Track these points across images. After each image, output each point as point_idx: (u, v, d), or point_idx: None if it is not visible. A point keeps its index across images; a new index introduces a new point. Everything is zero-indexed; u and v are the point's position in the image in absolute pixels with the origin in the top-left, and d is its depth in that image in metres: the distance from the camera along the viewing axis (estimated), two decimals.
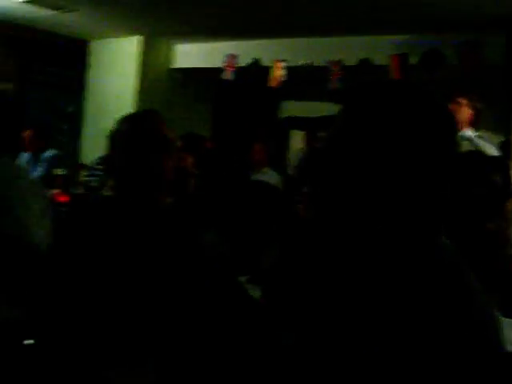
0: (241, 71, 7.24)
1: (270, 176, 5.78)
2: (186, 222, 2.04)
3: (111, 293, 1.76)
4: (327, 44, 6.63)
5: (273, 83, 7.03)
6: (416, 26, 5.84)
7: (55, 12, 6.68)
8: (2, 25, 7.38)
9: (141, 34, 7.63)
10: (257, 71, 7.11)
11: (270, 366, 1.21)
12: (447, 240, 1.16)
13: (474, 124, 4.45)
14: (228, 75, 7.33)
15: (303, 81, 6.85)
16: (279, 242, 1.42)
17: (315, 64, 6.65)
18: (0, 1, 6.51)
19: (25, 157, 6.13)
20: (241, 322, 1.65)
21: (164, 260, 1.85)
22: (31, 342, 1.68)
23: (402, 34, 6.08)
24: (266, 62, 7.05)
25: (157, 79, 7.95)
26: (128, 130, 1.93)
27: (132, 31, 7.52)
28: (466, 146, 4.04)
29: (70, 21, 7.16)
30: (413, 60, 6.01)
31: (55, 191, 5.31)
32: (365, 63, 6.23)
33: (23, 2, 6.41)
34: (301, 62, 6.75)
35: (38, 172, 5.97)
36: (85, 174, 6.26)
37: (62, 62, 8.19)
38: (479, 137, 4.41)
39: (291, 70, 6.85)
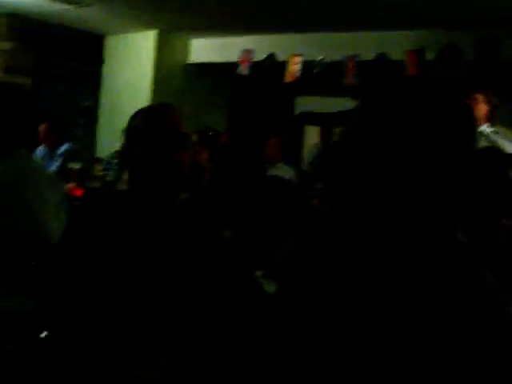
0: (256, 66, 7.23)
1: (284, 171, 5.78)
2: (202, 217, 2.03)
3: (125, 286, 1.76)
4: (343, 39, 6.61)
5: (288, 78, 7.01)
6: (433, 21, 5.80)
7: (72, 7, 6.71)
8: (20, 20, 7.43)
9: (156, 28, 7.64)
10: (272, 66, 7.10)
11: (283, 361, 1.21)
12: (464, 237, 1.15)
13: (490, 120, 4.43)
14: (243, 70, 7.32)
15: (319, 76, 6.83)
16: (294, 237, 1.42)
17: (331, 59, 6.63)
18: None
19: (41, 151, 6.17)
20: (255, 317, 1.65)
21: (179, 254, 1.85)
22: (45, 334, 1.68)
23: (418, 29, 6.04)
24: (281, 56, 7.03)
25: (172, 74, 7.95)
26: (143, 124, 1.92)
27: (148, 26, 7.53)
28: (482, 142, 4.02)
29: (87, 16, 7.19)
30: (429, 55, 5.97)
31: (71, 185, 5.35)
32: (381, 58, 6.19)
33: None
34: (317, 58, 6.72)
35: (53, 166, 6.00)
36: (100, 168, 6.30)
37: (79, 57, 8.22)
38: (495, 132, 4.39)
39: (307, 65, 6.82)
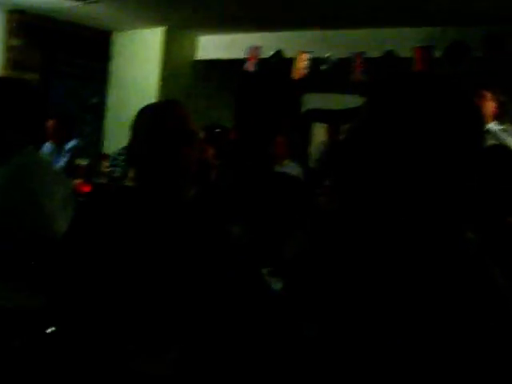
0: (264, 63, 7.22)
1: (291, 169, 5.78)
2: (209, 214, 2.03)
3: (131, 282, 1.76)
4: (351, 36, 6.59)
5: (296, 75, 7.00)
6: (441, 18, 5.78)
7: (80, 3, 6.72)
8: (28, 16, 7.45)
9: (164, 25, 7.64)
10: (280, 63, 7.09)
11: (291, 357, 1.21)
12: (472, 234, 1.15)
13: (499, 117, 4.41)
14: (251, 67, 7.32)
15: (326, 73, 6.82)
16: (301, 234, 1.42)
17: (338, 56, 6.61)
18: None
19: (48, 147, 6.18)
20: (261, 313, 1.65)
21: (186, 250, 1.85)
22: (52, 329, 1.69)
23: (426, 26, 6.02)
24: (289, 53, 7.02)
25: (180, 70, 7.95)
26: (150, 121, 1.91)
27: (155, 22, 7.54)
28: (490, 140, 4.01)
29: (95, 12, 7.20)
30: (437, 52, 5.95)
31: (78, 181, 5.36)
32: (389, 55, 6.18)
33: None
34: (325, 55, 6.71)
35: (61, 162, 6.02)
36: (107, 164, 6.31)
37: (87, 53, 8.24)
38: (503, 130, 4.37)
39: (314, 62, 6.82)
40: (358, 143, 1.14)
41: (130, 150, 1.98)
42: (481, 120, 1.14)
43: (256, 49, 7.23)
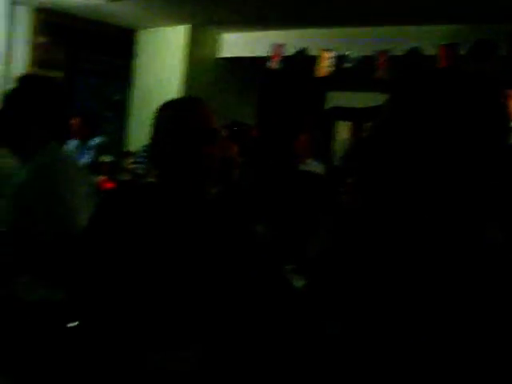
0: (287, 60, 7.21)
1: (314, 167, 5.75)
2: (232, 212, 2.03)
3: (153, 277, 1.76)
4: (375, 33, 6.54)
5: (319, 73, 6.98)
6: (466, 15, 5.71)
7: (104, 1, 6.75)
8: (53, 14, 7.51)
9: (187, 23, 7.65)
10: (303, 60, 7.07)
11: (314, 355, 1.20)
12: (498, 232, 1.13)
13: None
14: (274, 65, 7.31)
15: (350, 71, 6.79)
16: (324, 232, 1.41)
17: (362, 54, 6.58)
18: None
19: (72, 144, 6.23)
20: (283, 311, 1.64)
21: (208, 246, 1.85)
22: (75, 323, 1.70)
23: (452, 24, 5.96)
24: (312, 51, 7.00)
25: (203, 68, 7.97)
26: (171, 118, 1.90)
27: (179, 20, 7.56)
28: None
29: (119, 10, 7.24)
30: (463, 50, 5.89)
31: (102, 178, 5.39)
32: (413, 53, 6.13)
33: None
34: (349, 52, 6.68)
35: (85, 159, 6.07)
36: (131, 161, 6.35)
37: (110, 51, 8.29)
38: None
39: (338, 60, 6.79)
40: (381, 141, 1.13)
41: (151, 148, 1.98)
42: (506, 117, 1.12)
43: (279, 47, 7.22)
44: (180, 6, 6.83)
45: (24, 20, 7.38)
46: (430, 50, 6.05)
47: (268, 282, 1.94)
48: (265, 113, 8.70)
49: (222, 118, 5.37)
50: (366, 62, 6.53)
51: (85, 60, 8.14)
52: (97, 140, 6.33)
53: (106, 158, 5.96)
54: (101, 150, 6.22)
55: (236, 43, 7.96)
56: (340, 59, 6.76)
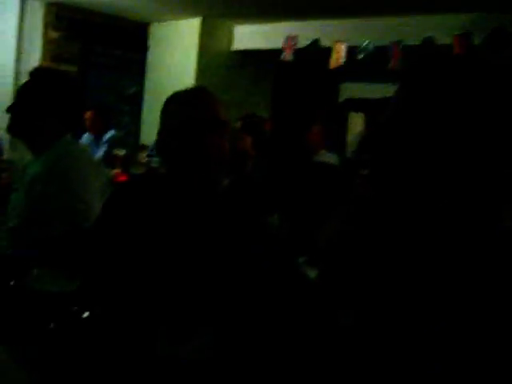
0: (300, 52, 7.18)
1: (327, 158, 5.73)
2: (243, 204, 2.02)
3: (165, 266, 1.76)
4: (388, 24, 6.50)
5: (333, 64, 6.95)
6: (481, 4, 5.65)
7: None
8: (66, 8, 7.53)
9: (201, 15, 7.64)
10: (316, 52, 7.04)
11: (328, 346, 1.20)
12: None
13: None
14: (287, 56, 7.28)
15: (364, 62, 6.75)
16: (336, 221, 1.41)
17: (376, 44, 6.54)
18: None
19: (86, 138, 6.26)
20: (296, 302, 1.64)
21: (217, 237, 1.84)
22: (88, 314, 1.71)
23: (466, 13, 5.91)
24: (325, 42, 6.97)
25: (216, 61, 7.96)
26: (177, 110, 1.89)
27: (192, 13, 7.55)
28: None
29: (132, 4, 7.24)
30: (477, 40, 5.83)
31: (116, 171, 5.41)
32: (427, 43, 6.08)
33: None
34: (362, 43, 6.64)
35: (99, 153, 6.09)
36: (145, 154, 6.36)
37: (124, 45, 8.31)
38: None
39: (352, 51, 6.75)
40: (392, 131, 1.12)
41: (158, 140, 1.96)
42: None
43: (293, 38, 7.19)
44: None
45: (36, 14, 7.40)
46: (443, 40, 6.00)
47: (280, 273, 1.93)
48: (278, 105, 8.68)
49: (236, 111, 5.37)
50: (379, 53, 6.49)
51: (98, 54, 8.16)
52: (111, 133, 6.35)
53: (120, 152, 5.97)
54: (115, 143, 6.23)
55: (249, 35, 7.94)
56: (353, 50, 6.72)
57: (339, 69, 7.00)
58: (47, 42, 7.50)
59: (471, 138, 1.04)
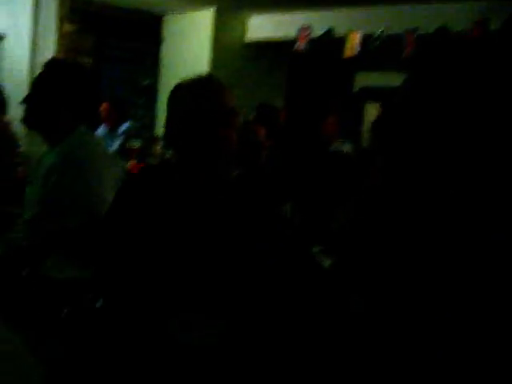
0: (314, 42, 7.15)
1: (342, 148, 5.71)
2: (254, 193, 2.00)
3: (178, 255, 1.76)
4: (403, 12, 6.45)
5: (347, 54, 6.91)
6: None
7: None
8: (81, 1, 7.54)
9: (214, 6, 7.63)
10: (330, 42, 7.01)
11: (339, 332, 1.20)
12: None
13: None
14: (301, 46, 7.26)
15: (378, 51, 6.70)
16: (348, 209, 1.40)
17: (390, 33, 6.49)
18: None
19: (102, 130, 6.28)
20: (309, 290, 1.64)
21: (228, 226, 1.83)
22: (101, 301, 1.72)
23: (481, 0, 5.84)
24: (340, 32, 6.93)
25: (230, 52, 7.95)
26: (183, 100, 1.87)
27: (205, 4, 7.53)
28: None
29: None
30: (494, 26, 5.76)
31: (131, 163, 5.43)
32: (442, 31, 6.02)
33: None
34: (376, 32, 6.60)
35: (115, 145, 6.11)
36: (160, 146, 6.37)
37: (138, 37, 8.31)
38: None
39: (366, 40, 6.71)
40: (401, 116, 1.12)
41: (166, 132, 1.94)
42: None
43: (306, 28, 7.16)
44: None
45: (51, 8, 7.42)
46: (459, 27, 5.93)
47: (293, 261, 1.93)
48: (293, 95, 8.66)
49: (250, 102, 5.36)
50: (394, 42, 6.44)
51: (113, 47, 8.18)
52: (126, 125, 6.37)
53: (135, 144, 5.99)
54: (130, 135, 6.25)
55: (263, 26, 7.91)
56: (368, 39, 6.68)
57: (354, 58, 6.96)
58: (62, 36, 7.52)
59: (482, 127, 1.03)
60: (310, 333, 1.32)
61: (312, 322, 1.35)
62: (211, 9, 7.69)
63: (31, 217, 2.40)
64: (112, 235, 1.89)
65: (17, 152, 5.00)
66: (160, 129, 7.95)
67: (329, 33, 6.99)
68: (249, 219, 1.89)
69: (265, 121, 4.80)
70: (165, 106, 2.01)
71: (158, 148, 6.38)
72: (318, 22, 7.10)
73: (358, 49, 6.80)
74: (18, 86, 6.04)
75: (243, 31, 8.09)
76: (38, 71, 2.59)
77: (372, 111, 9.16)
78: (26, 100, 2.52)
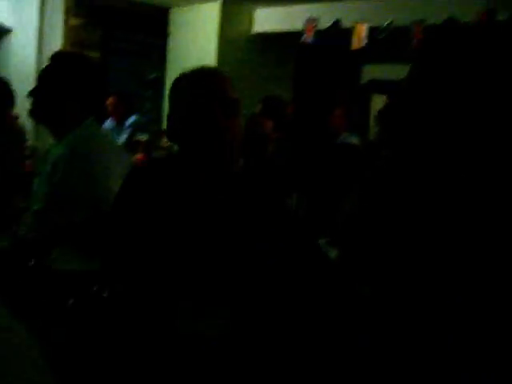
0: (321, 34, 7.13)
1: (350, 140, 5.70)
2: (261, 185, 2.00)
3: (183, 245, 1.76)
4: (410, 3, 6.42)
5: (354, 46, 6.89)
6: None
7: None
8: None
9: None
10: (338, 34, 6.98)
11: (345, 321, 1.20)
12: None
13: None
14: (308, 39, 7.23)
15: (386, 42, 6.67)
16: (354, 198, 1.39)
17: (397, 24, 6.46)
18: None
19: (109, 124, 6.29)
20: (318, 281, 1.64)
21: (233, 218, 1.83)
22: (107, 292, 1.73)
23: None
24: (347, 23, 6.91)
25: (237, 44, 7.94)
26: (184, 93, 1.86)
27: None
28: None
29: None
30: (502, 17, 5.72)
31: (138, 156, 5.44)
32: (450, 22, 5.98)
33: None
34: (383, 23, 6.57)
35: (122, 138, 6.11)
36: (167, 139, 6.36)
37: (145, 30, 8.31)
38: None
39: (373, 32, 6.68)
40: (408, 104, 1.11)
41: (168, 126, 1.94)
42: None
43: (313, 20, 7.14)
44: None
45: (57, 1, 7.42)
46: (466, 18, 5.90)
47: (298, 252, 1.92)
48: (300, 88, 8.64)
49: (257, 95, 5.34)
50: (401, 33, 6.41)
51: (119, 40, 8.18)
52: (133, 118, 6.38)
53: (142, 137, 6.00)
54: (137, 128, 6.26)
55: (270, 18, 7.89)
56: (375, 31, 6.65)
57: (361, 50, 6.94)
58: (68, 29, 7.52)
59: (490, 114, 1.02)
60: (317, 323, 1.32)
61: (318, 313, 1.35)
62: (217, 1, 7.68)
63: (38, 209, 2.40)
64: (117, 227, 1.89)
65: (25, 146, 5.01)
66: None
67: (336, 24, 6.96)
68: (252, 211, 1.88)
69: (271, 113, 4.79)
70: None
71: (165, 141, 6.38)
72: (324, 13, 7.08)
73: (366, 41, 6.78)
74: (25, 80, 6.04)
75: (250, 24, 8.07)
76: (44, 65, 2.60)
77: (379, 103, 9.13)
78: (33, 93, 2.53)
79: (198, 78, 1.91)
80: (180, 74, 1.94)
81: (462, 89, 1.03)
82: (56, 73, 2.50)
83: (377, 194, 1.27)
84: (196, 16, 8.05)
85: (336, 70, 8.93)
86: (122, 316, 1.67)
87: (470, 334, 0.99)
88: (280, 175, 3.74)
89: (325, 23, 7.05)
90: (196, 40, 8.03)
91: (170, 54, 8.43)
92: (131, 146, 5.79)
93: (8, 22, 7.19)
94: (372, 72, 9.78)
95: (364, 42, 6.80)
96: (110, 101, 6.17)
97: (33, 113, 2.55)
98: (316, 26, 7.11)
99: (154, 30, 8.37)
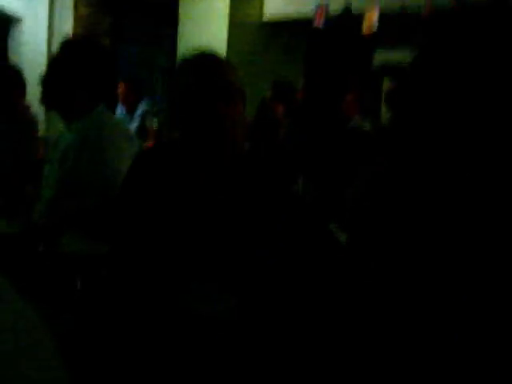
0: (332, 20, 7.08)
1: (361, 125, 5.68)
2: (265, 170, 1.98)
3: (188, 230, 1.76)
4: None
5: (366, 31, 6.84)
6: None
7: None
8: None
9: None
10: (349, 19, 6.94)
11: (353, 309, 1.20)
12: None
13: None
14: (319, 25, 7.19)
15: (397, 26, 6.62)
16: (360, 183, 1.39)
17: (407, 7, 6.40)
18: None
19: (119, 112, 6.30)
20: (328, 266, 1.63)
21: (237, 203, 1.82)
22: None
23: None
24: (358, 8, 6.85)
25: (248, 31, 7.91)
26: (184, 79, 1.84)
27: None
28: None
29: None
30: None
31: (148, 143, 5.45)
32: (460, 1, 5.92)
33: None
34: (394, 7, 6.52)
35: (132, 126, 6.12)
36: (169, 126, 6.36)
37: (155, 19, 8.30)
38: None
39: (385, 16, 6.63)
40: (415, 85, 1.10)
41: (168, 113, 1.92)
42: None
43: (324, 6, 7.09)
44: None
45: None
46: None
47: (307, 237, 1.92)
48: (312, 73, 8.60)
49: (269, 81, 5.33)
50: (412, 16, 6.36)
51: (130, 28, 8.17)
52: (143, 106, 6.38)
53: (153, 124, 6.00)
54: (147, 115, 6.27)
55: (280, 5, 7.85)
56: (386, 15, 6.60)
57: (373, 35, 6.89)
58: (78, 18, 7.53)
59: (494, 98, 1.01)
60: (326, 309, 1.32)
61: (327, 299, 1.34)
62: None
63: (50, 196, 2.42)
64: (125, 210, 1.89)
65: (37, 135, 5.03)
66: None
67: (347, 9, 6.92)
68: (256, 195, 1.87)
69: (282, 98, 4.78)
70: None
71: None
72: None
73: (376, 26, 6.73)
74: (36, 69, 6.06)
75: (260, 10, 8.03)
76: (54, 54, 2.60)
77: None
78: (43, 80, 2.53)
79: (196, 62, 1.88)
80: (181, 59, 1.92)
81: (466, 71, 1.02)
82: (64, 60, 2.50)
83: (382, 181, 1.26)
84: (206, 3, 8.03)
85: (348, 54, 8.89)
86: (129, 298, 1.68)
87: (475, 335, 0.99)
88: (291, 160, 3.73)
89: (336, 8, 7.00)
90: (206, 28, 8.01)
91: (181, 41, 8.42)
92: (142, 133, 5.80)
93: (18, 12, 7.20)
94: (384, 56, 9.71)
95: (375, 27, 6.75)
96: (120, 89, 6.18)
97: (43, 100, 2.56)
98: (326, 11, 7.07)
99: (165, 17, 8.35)
